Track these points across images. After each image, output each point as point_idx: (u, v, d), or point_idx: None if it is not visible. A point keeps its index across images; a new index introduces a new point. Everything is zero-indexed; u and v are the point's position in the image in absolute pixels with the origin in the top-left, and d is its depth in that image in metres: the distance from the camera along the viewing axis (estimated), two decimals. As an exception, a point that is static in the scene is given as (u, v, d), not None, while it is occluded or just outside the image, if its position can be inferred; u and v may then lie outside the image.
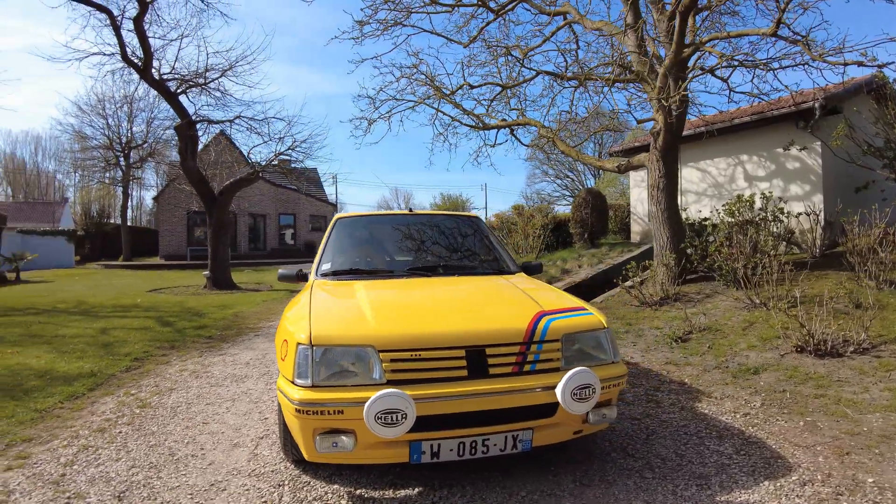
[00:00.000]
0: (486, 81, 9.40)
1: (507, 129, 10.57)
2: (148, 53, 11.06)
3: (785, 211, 7.28)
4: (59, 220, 30.97)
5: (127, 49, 10.88)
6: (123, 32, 10.65)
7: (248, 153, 14.90)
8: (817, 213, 7.52)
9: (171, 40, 12.34)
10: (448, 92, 9.64)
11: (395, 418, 2.15)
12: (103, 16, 10.31)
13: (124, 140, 26.03)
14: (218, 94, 13.66)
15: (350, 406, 2.23)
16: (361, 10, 12.64)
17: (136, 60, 11.20)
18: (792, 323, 4.61)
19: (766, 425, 3.24)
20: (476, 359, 2.41)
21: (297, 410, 2.30)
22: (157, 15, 11.35)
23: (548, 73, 8.90)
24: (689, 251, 7.26)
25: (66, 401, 4.13)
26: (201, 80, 12.97)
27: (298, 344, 2.41)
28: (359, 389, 2.30)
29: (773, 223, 7.27)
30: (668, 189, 7.40)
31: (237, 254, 26.87)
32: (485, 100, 10.45)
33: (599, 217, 12.43)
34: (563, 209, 22.36)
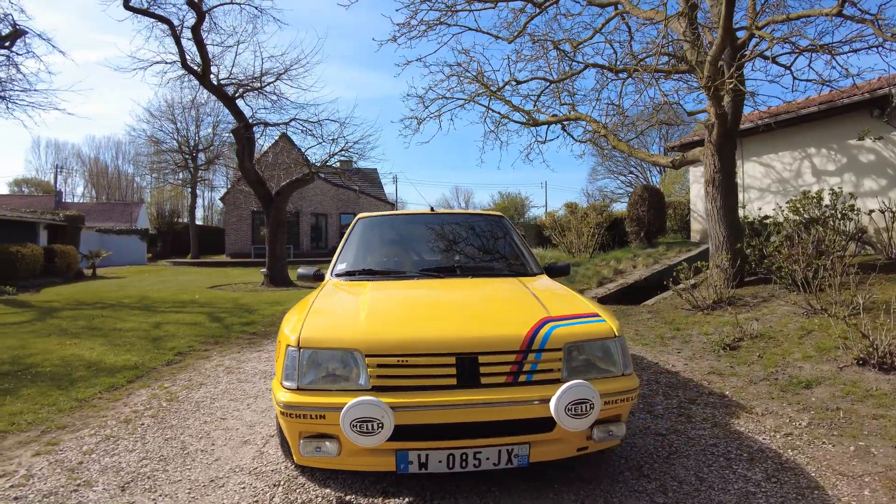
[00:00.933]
0: (534, 76, 9.15)
1: (557, 124, 10.29)
2: (206, 60, 11.60)
3: (856, 208, 6.60)
4: (137, 219, 33.30)
5: (186, 57, 11.46)
6: (183, 41, 11.23)
7: (303, 154, 15.34)
8: (894, 209, 6.76)
9: (228, 47, 12.83)
10: (495, 88, 9.47)
11: (371, 427, 2.06)
12: (165, 26, 10.91)
13: (192, 143, 27.60)
14: (274, 97, 14.11)
15: (331, 411, 2.17)
16: (397, 10, 12.62)
17: (195, 67, 11.77)
18: (853, 332, 4.14)
19: (808, 448, 2.90)
20: (467, 367, 2.28)
21: (282, 413, 2.28)
22: (214, 23, 11.88)
23: (596, 65, 8.54)
24: (747, 251, 6.74)
25: (105, 392, 4.35)
26: (257, 85, 13.45)
27: (288, 346, 2.38)
28: (342, 394, 2.23)
29: (842, 221, 6.60)
30: (723, 185, 6.90)
31: (300, 252, 27.88)
32: (534, 95, 10.21)
33: (657, 215, 11.85)
34: (625, 206, 21.50)
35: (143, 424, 3.58)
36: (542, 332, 2.37)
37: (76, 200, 41.29)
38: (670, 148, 10.95)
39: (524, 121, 10.34)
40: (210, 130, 28.02)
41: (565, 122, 10.13)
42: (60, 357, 5.37)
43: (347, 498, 2.48)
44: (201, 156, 28.87)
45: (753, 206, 9.05)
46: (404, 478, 2.60)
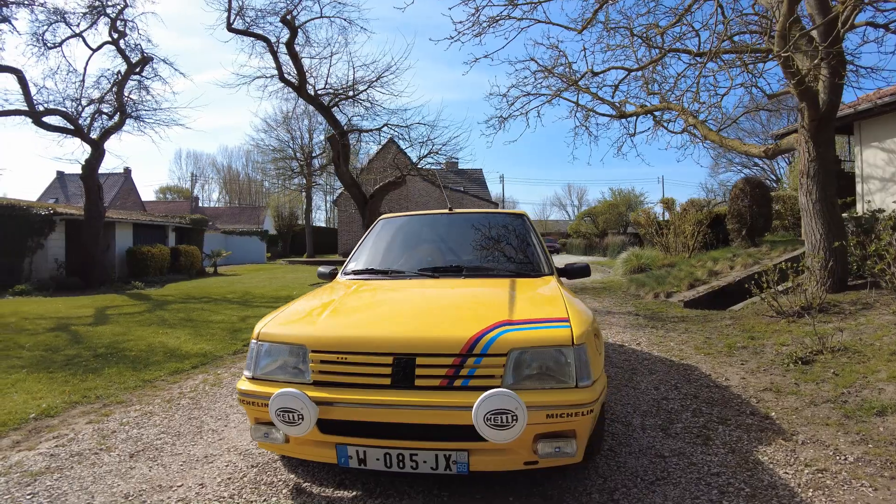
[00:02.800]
0: (611, 66, 8.67)
1: (646, 115, 9.69)
2: (301, 72, 12.50)
3: None
4: (263, 221, 36.83)
5: (284, 70, 12.44)
6: (280, 56, 12.22)
7: (394, 158, 15.93)
8: None
9: (323, 58, 13.73)
10: (573, 81, 9.14)
11: (292, 417, 2.14)
12: (263, 44, 11.95)
13: (307, 150, 29.90)
14: (367, 104, 14.77)
15: None
16: (451, 8, 12.53)
17: (292, 80, 12.74)
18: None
19: (839, 490, 2.43)
20: (403, 368, 2.24)
21: (239, 399, 2.43)
22: (307, 38, 12.71)
23: (677, 50, 7.85)
24: (855, 251, 5.79)
25: (168, 375, 4.88)
26: (351, 93, 14.21)
27: (251, 338, 2.53)
28: (288, 386, 2.31)
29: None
30: (820, 176, 6.00)
31: (404, 251, 29.04)
32: (619, 86, 9.68)
33: (761, 210, 10.59)
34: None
35: (179, 404, 3.98)
36: (489, 336, 2.26)
37: (212, 205, 46.73)
38: (778, 136, 9.71)
39: (612, 113, 9.88)
40: (322, 137, 30.16)
41: (655, 113, 9.48)
42: (148, 343, 6.13)
43: (304, 484, 2.57)
44: (315, 161, 31.17)
45: (874, 198, 7.71)
46: (362, 473, 2.63)
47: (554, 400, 2.13)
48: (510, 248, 3.80)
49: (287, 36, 11.79)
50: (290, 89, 13.07)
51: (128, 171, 32.48)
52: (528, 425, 2.10)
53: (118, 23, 12.29)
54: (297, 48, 12.18)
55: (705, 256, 10.70)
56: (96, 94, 12.92)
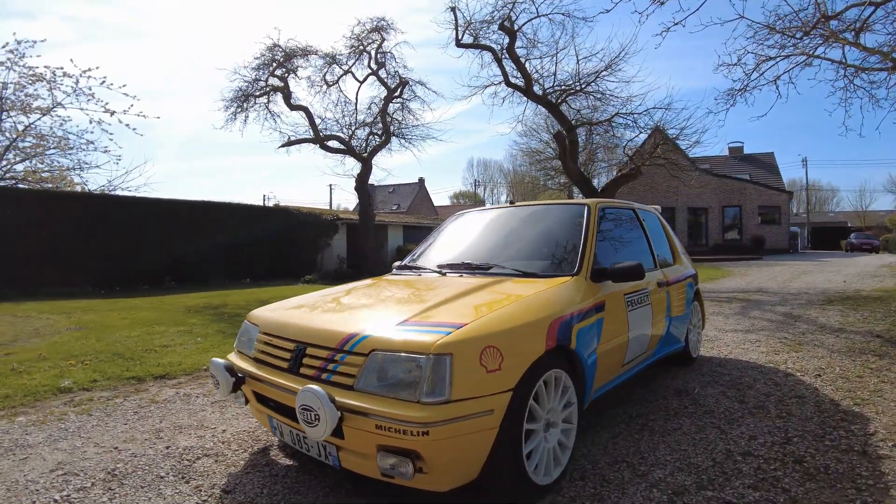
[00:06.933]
0: (850, 4, 6.41)
1: None
2: (525, 75, 12.81)
3: None
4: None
5: (509, 75, 12.98)
6: (505, 62, 12.78)
7: (625, 148, 14.85)
8: None
9: (549, 56, 13.66)
10: (807, 31, 7.13)
11: (215, 382, 2.61)
12: (489, 53, 12.71)
13: (561, 151, 30.07)
14: (598, 94, 14.16)
15: None
16: None
17: (518, 83, 13.18)
18: None
19: None
20: (297, 355, 2.41)
21: None
22: (531, 40, 12.89)
23: None
24: None
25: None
26: (578, 87, 13.84)
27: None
28: (242, 358, 2.78)
29: None
30: None
31: (673, 248, 26.82)
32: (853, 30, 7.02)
33: None
34: None
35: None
36: (362, 334, 2.24)
37: (498, 206, 50.95)
38: None
39: (884, 66, 7.31)
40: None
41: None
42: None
43: (273, 447, 2.97)
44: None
45: None
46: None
47: (385, 411, 1.98)
48: (545, 243, 3.42)
49: (507, 41, 12.28)
50: (519, 92, 13.54)
51: (421, 180, 38.49)
52: (363, 432, 2.03)
53: (378, 56, 14.93)
54: (523, 51, 12.56)
55: None
56: (367, 118, 15.94)
